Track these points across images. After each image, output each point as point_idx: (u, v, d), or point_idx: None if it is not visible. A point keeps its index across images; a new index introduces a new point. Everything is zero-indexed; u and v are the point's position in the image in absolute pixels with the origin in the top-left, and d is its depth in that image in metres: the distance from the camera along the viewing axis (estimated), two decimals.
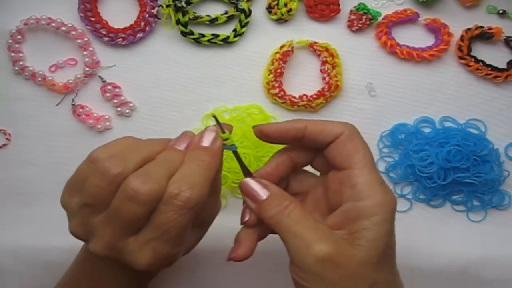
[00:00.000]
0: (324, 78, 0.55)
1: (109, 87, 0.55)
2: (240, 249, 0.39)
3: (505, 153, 0.56)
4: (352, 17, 0.55)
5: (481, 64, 0.55)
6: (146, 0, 0.55)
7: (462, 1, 0.56)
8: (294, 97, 0.55)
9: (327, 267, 0.32)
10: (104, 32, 0.55)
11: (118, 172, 0.32)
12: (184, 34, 0.55)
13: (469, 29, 0.55)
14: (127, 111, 0.55)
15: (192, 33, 0.55)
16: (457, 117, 0.56)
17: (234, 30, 0.55)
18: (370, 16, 0.55)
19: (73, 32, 0.55)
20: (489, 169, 0.54)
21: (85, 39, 0.55)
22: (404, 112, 0.56)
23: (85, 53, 0.55)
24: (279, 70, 0.54)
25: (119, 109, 0.55)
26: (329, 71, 0.54)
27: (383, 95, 0.56)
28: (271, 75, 0.54)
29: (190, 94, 0.55)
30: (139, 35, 0.55)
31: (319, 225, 0.35)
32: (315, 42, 0.55)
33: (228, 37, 0.55)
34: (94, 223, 0.34)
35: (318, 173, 0.40)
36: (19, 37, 0.55)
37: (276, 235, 0.39)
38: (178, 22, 0.54)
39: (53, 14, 0.55)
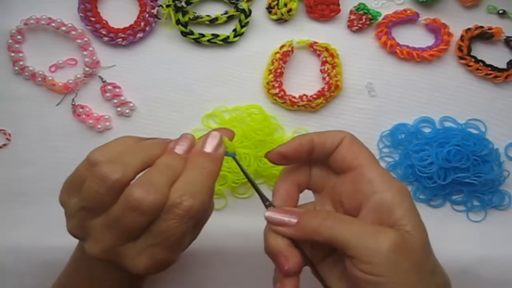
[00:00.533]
0: (324, 78, 0.55)
1: (109, 87, 0.55)
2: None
3: (505, 153, 0.56)
4: (352, 17, 0.55)
5: (481, 64, 0.55)
6: (146, 0, 0.55)
7: (462, 1, 0.56)
8: (294, 97, 0.55)
9: (400, 254, 0.32)
10: (104, 32, 0.55)
11: (117, 178, 0.32)
12: (184, 34, 0.55)
13: (469, 29, 0.55)
14: (127, 111, 0.55)
15: (192, 33, 0.55)
16: (457, 117, 0.56)
17: (234, 30, 0.55)
18: (370, 16, 0.55)
19: (73, 32, 0.55)
20: (489, 169, 0.54)
21: (85, 39, 0.55)
22: (404, 112, 0.56)
23: (85, 53, 0.55)
24: (279, 70, 0.54)
25: (119, 109, 0.55)
26: (329, 71, 0.54)
27: (383, 95, 0.56)
28: (271, 75, 0.54)
29: (190, 94, 0.55)
30: (139, 35, 0.55)
31: (367, 222, 0.35)
32: (315, 42, 0.55)
33: (228, 37, 0.55)
34: (92, 225, 0.33)
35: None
36: (19, 37, 0.55)
37: None
38: (178, 22, 0.54)
39: (53, 14, 0.55)
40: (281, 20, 0.56)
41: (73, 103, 0.55)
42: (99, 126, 0.55)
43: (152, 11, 0.55)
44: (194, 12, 0.55)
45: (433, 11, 0.56)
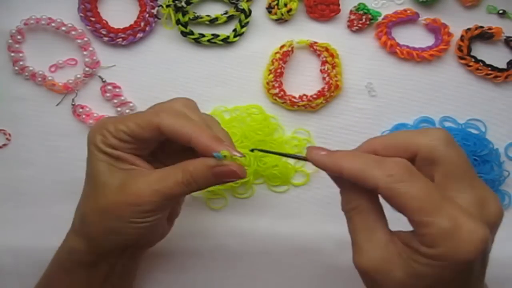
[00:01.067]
0: (324, 78, 0.55)
1: (109, 87, 0.55)
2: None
3: (505, 153, 0.56)
4: (352, 17, 0.55)
5: (481, 64, 0.55)
6: (146, 0, 0.55)
7: (462, 1, 0.56)
8: (294, 97, 0.55)
9: None
10: (104, 32, 0.55)
11: None
12: (184, 34, 0.55)
13: (469, 29, 0.55)
14: (127, 111, 0.55)
15: (192, 33, 0.55)
16: (457, 117, 0.56)
17: (234, 30, 0.55)
18: (370, 16, 0.55)
19: (73, 32, 0.55)
20: (489, 169, 0.54)
21: (85, 39, 0.55)
22: (404, 112, 0.56)
23: (85, 53, 0.55)
24: (279, 70, 0.54)
25: (119, 109, 0.55)
26: (329, 71, 0.54)
27: (383, 95, 0.56)
28: (271, 75, 0.54)
29: (190, 94, 0.55)
30: (139, 35, 0.55)
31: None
32: (315, 42, 0.55)
33: (228, 37, 0.55)
34: None
35: None
36: (19, 37, 0.55)
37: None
38: (178, 22, 0.54)
39: (53, 14, 0.55)
40: (281, 20, 0.56)
41: (73, 103, 0.55)
42: None
43: (152, 11, 0.55)
44: (194, 12, 0.55)
45: (433, 11, 0.56)
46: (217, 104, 0.55)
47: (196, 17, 0.55)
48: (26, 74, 0.55)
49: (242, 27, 0.55)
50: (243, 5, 0.54)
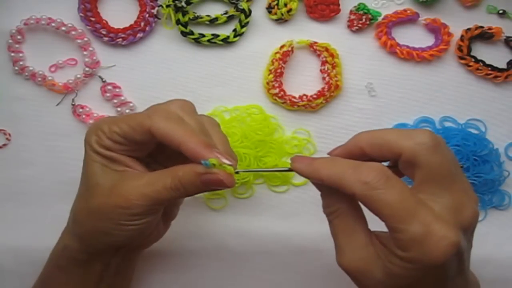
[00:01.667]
0: (324, 78, 0.55)
1: (109, 87, 0.55)
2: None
3: (505, 153, 0.56)
4: (352, 17, 0.55)
5: (481, 64, 0.55)
6: (146, 0, 0.55)
7: (462, 1, 0.56)
8: (294, 97, 0.55)
9: None
10: (104, 32, 0.55)
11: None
12: (184, 34, 0.55)
13: (469, 29, 0.55)
14: (127, 111, 0.55)
15: (192, 33, 0.55)
16: (457, 117, 0.56)
17: (234, 30, 0.55)
18: (370, 16, 0.55)
19: (73, 32, 0.55)
20: (489, 169, 0.54)
21: (85, 39, 0.55)
22: (404, 112, 0.56)
23: (85, 53, 0.55)
24: (279, 70, 0.54)
25: (119, 109, 0.55)
26: (329, 71, 0.54)
27: (383, 95, 0.56)
28: (271, 75, 0.54)
29: (190, 94, 0.55)
30: (139, 35, 0.55)
31: None
32: (315, 42, 0.55)
33: (228, 37, 0.55)
34: None
35: None
36: (19, 37, 0.55)
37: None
38: (178, 22, 0.54)
39: (53, 14, 0.55)
40: (281, 20, 0.56)
41: (73, 103, 0.55)
42: None
43: (152, 11, 0.55)
44: (194, 12, 0.55)
45: (433, 11, 0.56)
46: (217, 104, 0.55)
47: (196, 17, 0.55)
48: (26, 74, 0.55)
49: (242, 27, 0.55)
50: (243, 5, 0.54)
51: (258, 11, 0.56)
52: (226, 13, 0.55)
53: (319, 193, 0.37)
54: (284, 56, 0.54)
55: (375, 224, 0.35)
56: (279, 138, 0.55)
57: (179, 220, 0.47)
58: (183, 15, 0.54)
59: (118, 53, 0.56)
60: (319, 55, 0.55)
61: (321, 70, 0.55)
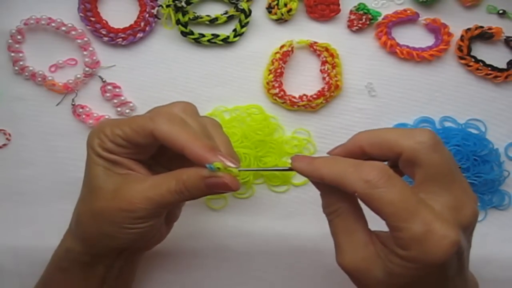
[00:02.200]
0: (324, 78, 0.55)
1: (109, 87, 0.55)
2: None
3: (505, 153, 0.56)
4: (352, 17, 0.55)
5: (481, 64, 0.55)
6: (146, 0, 0.55)
7: (462, 1, 0.56)
8: (294, 97, 0.55)
9: None
10: (104, 32, 0.55)
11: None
12: (184, 34, 0.55)
13: (469, 29, 0.55)
14: (127, 111, 0.55)
15: (192, 33, 0.55)
16: (457, 117, 0.56)
17: (234, 30, 0.55)
18: (370, 16, 0.55)
19: (73, 32, 0.55)
20: (489, 169, 0.54)
21: (85, 39, 0.55)
22: (404, 112, 0.56)
23: (85, 53, 0.55)
24: (279, 70, 0.54)
25: (119, 109, 0.55)
26: (329, 71, 0.54)
27: (383, 95, 0.56)
28: (271, 75, 0.54)
29: (190, 94, 0.55)
30: (139, 35, 0.55)
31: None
32: (315, 42, 0.55)
33: (228, 37, 0.55)
34: None
35: None
36: (19, 37, 0.55)
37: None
38: (178, 22, 0.54)
39: (53, 14, 0.55)
40: (281, 20, 0.56)
41: (73, 103, 0.55)
42: None
43: (152, 11, 0.55)
44: (194, 12, 0.55)
45: (433, 11, 0.56)
46: (217, 104, 0.55)
47: (196, 17, 0.55)
48: (26, 74, 0.55)
49: (242, 27, 0.55)
50: (243, 5, 0.54)
51: (258, 11, 0.56)
52: (226, 13, 0.55)
53: (319, 193, 0.37)
54: (284, 56, 0.54)
55: (375, 223, 0.35)
56: (279, 138, 0.55)
57: (179, 220, 0.47)
58: (183, 15, 0.54)
59: (118, 53, 0.56)
60: (319, 55, 0.55)
61: (321, 70, 0.55)
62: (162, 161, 0.42)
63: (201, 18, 0.55)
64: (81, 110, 0.55)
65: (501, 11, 0.56)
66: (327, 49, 0.55)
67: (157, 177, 0.39)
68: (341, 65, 0.55)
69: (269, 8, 0.55)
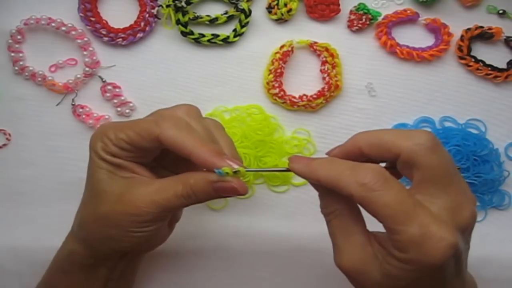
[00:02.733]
0: (324, 78, 0.55)
1: (109, 87, 0.55)
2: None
3: (505, 153, 0.56)
4: (352, 17, 0.55)
5: (481, 64, 0.55)
6: (146, 0, 0.55)
7: (462, 1, 0.56)
8: (294, 97, 0.55)
9: None
10: (104, 32, 0.55)
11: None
12: (184, 34, 0.55)
13: (469, 29, 0.55)
14: (127, 111, 0.55)
15: (192, 33, 0.55)
16: (457, 117, 0.56)
17: (234, 30, 0.55)
18: (370, 16, 0.55)
19: (73, 32, 0.55)
20: (489, 169, 0.54)
21: (85, 39, 0.55)
22: (404, 112, 0.56)
23: (85, 53, 0.55)
24: (279, 70, 0.54)
25: (119, 109, 0.55)
26: (329, 71, 0.54)
27: (383, 95, 0.56)
28: (271, 75, 0.54)
29: (190, 94, 0.55)
30: (139, 35, 0.55)
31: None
32: (315, 42, 0.55)
33: (228, 37, 0.55)
34: None
35: None
36: (19, 37, 0.55)
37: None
38: (178, 22, 0.54)
39: (53, 14, 0.55)
40: (281, 20, 0.56)
41: (73, 103, 0.55)
42: (99, 126, 0.55)
43: (152, 11, 0.55)
44: (194, 12, 0.55)
45: (433, 11, 0.56)
46: (217, 104, 0.55)
47: (196, 17, 0.55)
48: (26, 74, 0.55)
49: (242, 27, 0.55)
50: (243, 5, 0.54)
51: (258, 11, 0.56)
52: (226, 13, 0.55)
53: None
54: (284, 56, 0.54)
55: (374, 224, 0.35)
56: (279, 138, 0.55)
57: (179, 220, 0.47)
58: (183, 15, 0.54)
59: (118, 53, 0.56)
60: (319, 55, 0.55)
61: (321, 70, 0.55)
62: (164, 163, 0.42)
63: (201, 18, 0.55)
64: (81, 110, 0.55)
65: (501, 11, 0.56)
66: (327, 49, 0.55)
67: (163, 181, 0.38)
68: (341, 65, 0.55)
69: (269, 8, 0.55)
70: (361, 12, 0.55)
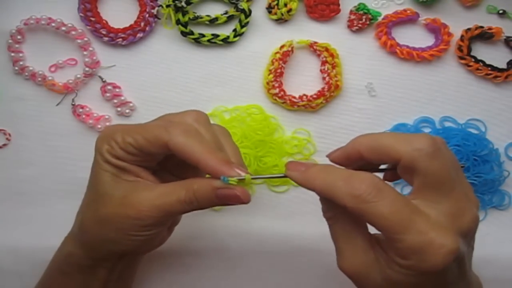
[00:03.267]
0: (324, 78, 0.55)
1: (109, 87, 0.55)
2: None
3: (505, 153, 0.56)
4: (352, 17, 0.55)
5: (481, 64, 0.55)
6: (146, 0, 0.55)
7: (462, 1, 0.56)
8: (294, 97, 0.55)
9: None
10: (104, 32, 0.55)
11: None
12: (184, 34, 0.55)
13: (469, 29, 0.55)
14: (127, 111, 0.55)
15: (192, 33, 0.55)
16: (457, 117, 0.56)
17: (234, 30, 0.55)
18: (370, 16, 0.55)
19: (73, 32, 0.55)
20: (489, 169, 0.54)
21: (85, 39, 0.55)
22: (404, 112, 0.56)
23: (85, 53, 0.55)
24: (279, 70, 0.54)
25: (119, 109, 0.55)
26: (329, 71, 0.54)
27: (383, 95, 0.56)
28: (271, 75, 0.54)
29: (190, 94, 0.55)
30: (139, 35, 0.55)
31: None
32: (315, 42, 0.55)
33: (228, 37, 0.55)
34: None
35: None
36: (19, 37, 0.55)
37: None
38: (178, 22, 0.54)
39: (53, 14, 0.55)
40: (281, 20, 0.56)
41: (73, 103, 0.55)
42: (99, 126, 0.55)
43: (152, 11, 0.55)
44: (194, 12, 0.55)
45: (433, 11, 0.56)
46: (217, 104, 0.55)
47: (196, 17, 0.55)
48: (26, 74, 0.55)
49: (242, 27, 0.55)
50: (243, 5, 0.54)
51: (258, 11, 0.56)
52: (226, 13, 0.55)
53: None
54: (284, 56, 0.54)
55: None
56: (279, 138, 0.55)
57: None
58: (183, 15, 0.54)
59: (118, 53, 0.56)
60: (319, 55, 0.55)
61: (321, 70, 0.55)
62: (167, 166, 0.42)
63: (201, 18, 0.55)
64: (81, 110, 0.55)
65: (501, 11, 0.56)
66: (327, 49, 0.55)
67: (166, 185, 0.38)
68: (341, 65, 0.55)
69: (269, 8, 0.55)
70: (361, 12, 0.55)
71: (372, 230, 0.36)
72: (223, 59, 0.56)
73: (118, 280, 0.43)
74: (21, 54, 0.55)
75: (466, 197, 0.34)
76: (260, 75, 0.56)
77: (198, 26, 0.56)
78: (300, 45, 0.55)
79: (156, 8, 0.54)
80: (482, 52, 0.56)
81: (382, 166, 0.39)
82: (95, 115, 0.55)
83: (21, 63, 0.55)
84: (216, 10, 0.56)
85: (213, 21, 0.55)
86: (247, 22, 0.55)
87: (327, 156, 0.39)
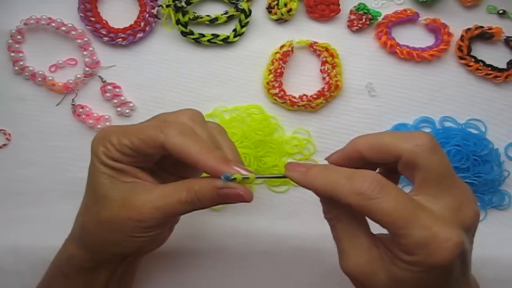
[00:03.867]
0: (324, 78, 0.55)
1: (109, 87, 0.55)
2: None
3: (505, 153, 0.56)
4: (352, 17, 0.55)
5: (481, 64, 0.55)
6: (146, 0, 0.55)
7: (462, 1, 0.56)
8: (294, 97, 0.55)
9: None
10: (104, 32, 0.55)
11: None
12: (184, 34, 0.55)
13: (469, 29, 0.55)
14: (127, 111, 0.55)
15: (192, 33, 0.55)
16: (457, 117, 0.56)
17: (234, 30, 0.55)
18: (370, 16, 0.55)
19: (73, 32, 0.55)
20: (489, 169, 0.54)
21: (85, 39, 0.55)
22: (404, 112, 0.56)
23: (85, 53, 0.55)
24: (279, 70, 0.54)
25: (119, 109, 0.55)
26: (329, 71, 0.54)
27: (383, 95, 0.56)
28: (271, 75, 0.54)
29: (190, 94, 0.55)
30: (139, 35, 0.55)
31: None
32: (315, 42, 0.55)
33: (228, 37, 0.55)
34: None
35: None
36: (19, 37, 0.55)
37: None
38: (178, 22, 0.54)
39: (53, 14, 0.55)
40: (281, 20, 0.56)
41: (73, 103, 0.55)
42: (99, 126, 0.55)
43: (152, 11, 0.55)
44: (194, 12, 0.55)
45: (433, 11, 0.56)
46: (217, 104, 0.55)
47: (196, 17, 0.55)
48: (26, 74, 0.55)
49: (242, 27, 0.55)
50: (243, 5, 0.54)
51: (258, 11, 0.56)
52: (226, 13, 0.55)
53: None
54: (284, 56, 0.54)
55: (377, 226, 0.35)
56: (279, 138, 0.55)
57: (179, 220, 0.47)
58: (183, 15, 0.54)
59: (118, 53, 0.56)
60: (319, 55, 0.55)
61: (321, 70, 0.55)
62: (164, 165, 0.42)
63: (201, 18, 0.55)
64: (81, 110, 0.55)
65: (501, 11, 0.56)
66: (327, 49, 0.55)
67: (166, 186, 0.38)
68: (341, 65, 0.55)
69: (269, 8, 0.55)
70: (361, 12, 0.55)
71: (373, 230, 0.36)
72: (223, 59, 0.56)
73: (119, 281, 0.43)
74: (21, 54, 0.55)
75: (466, 193, 0.34)
76: (260, 75, 0.56)
77: (198, 26, 0.56)
78: (300, 45, 0.55)
79: (156, 8, 0.54)
80: (482, 52, 0.56)
81: (377, 170, 0.39)
82: (95, 115, 0.55)
83: (21, 63, 0.55)
84: (216, 10, 0.56)
85: (213, 21, 0.55)
86: (247, 22, 0.55)
87: (326, 159, 0.39)
